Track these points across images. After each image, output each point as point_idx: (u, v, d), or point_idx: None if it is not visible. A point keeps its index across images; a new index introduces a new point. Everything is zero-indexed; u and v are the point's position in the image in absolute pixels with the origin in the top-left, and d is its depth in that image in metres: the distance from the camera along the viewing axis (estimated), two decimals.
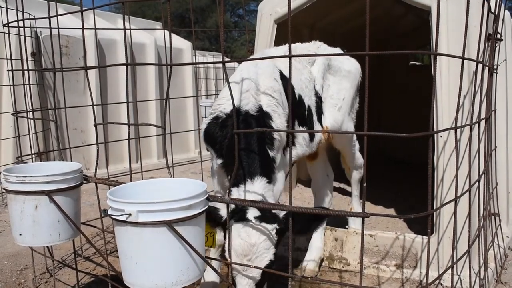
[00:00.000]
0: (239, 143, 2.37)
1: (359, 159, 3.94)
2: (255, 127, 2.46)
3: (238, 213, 2.27)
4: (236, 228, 2.24)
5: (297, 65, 3.22)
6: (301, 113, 3.06)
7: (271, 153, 2.54)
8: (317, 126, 3.25)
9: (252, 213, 2.24)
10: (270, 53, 3.27)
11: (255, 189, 2.36)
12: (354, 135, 3.87)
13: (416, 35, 7.71)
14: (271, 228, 2.24)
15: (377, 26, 5.98)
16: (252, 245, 2.20)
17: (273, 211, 2.26)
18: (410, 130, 1.87)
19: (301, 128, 3.04)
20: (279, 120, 2.62)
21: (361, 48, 1.79)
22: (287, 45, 1.95)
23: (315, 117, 3.23)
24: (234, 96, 2.60)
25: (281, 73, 2.92)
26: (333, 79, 3.51)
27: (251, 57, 3.26)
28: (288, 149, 2.88)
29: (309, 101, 3.20)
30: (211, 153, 2.79)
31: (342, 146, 3.81)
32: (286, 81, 2.89)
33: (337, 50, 3.74)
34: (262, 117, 2.55)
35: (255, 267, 2.63)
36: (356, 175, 4.04)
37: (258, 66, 2.81)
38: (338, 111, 3.47)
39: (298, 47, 3.51)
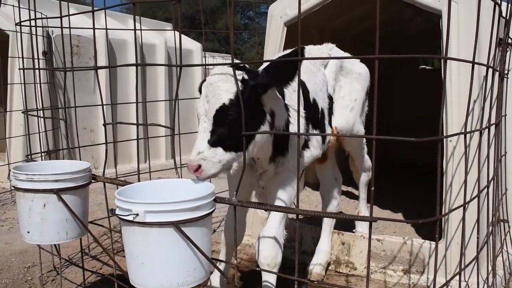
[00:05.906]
0: None
1: (368, 161, 3.93)
2: None
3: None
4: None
5: (312, 67, 3.20)
6: (315, 117, 3.05)
7: None
8: (328, 129, 3.25)
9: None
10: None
11: None
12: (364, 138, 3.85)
13: (425, 40, 7.66)
14: (238, 73, 2.27)
15: (386, 30, 5.96)
16: (210, 83, 2.27)
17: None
18: (419, 135, 1.86)
19: (315, 131, 3.04)
20: None
21: (371, 51, 1.79)
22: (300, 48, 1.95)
23: (326, 120, 3.23)
24: None
25: None
26: (345, 81, 3.49)
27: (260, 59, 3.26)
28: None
29: (323, 103, 3.19)
30: None
31: (352, 148, 3.79)
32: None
33: (348, 53, 3.72)
34: None
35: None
36: (364, 178, 4.02)
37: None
38: (350, 112, 3.46)
39: (313, 50, 3.47)
